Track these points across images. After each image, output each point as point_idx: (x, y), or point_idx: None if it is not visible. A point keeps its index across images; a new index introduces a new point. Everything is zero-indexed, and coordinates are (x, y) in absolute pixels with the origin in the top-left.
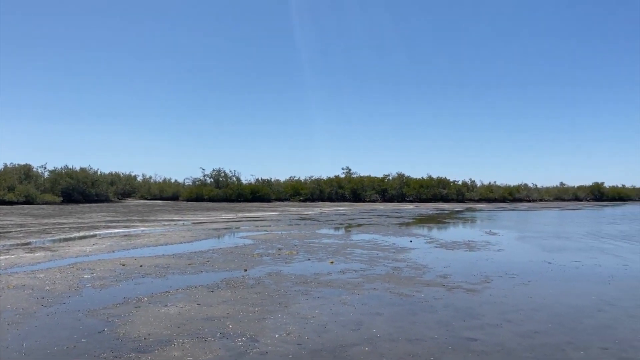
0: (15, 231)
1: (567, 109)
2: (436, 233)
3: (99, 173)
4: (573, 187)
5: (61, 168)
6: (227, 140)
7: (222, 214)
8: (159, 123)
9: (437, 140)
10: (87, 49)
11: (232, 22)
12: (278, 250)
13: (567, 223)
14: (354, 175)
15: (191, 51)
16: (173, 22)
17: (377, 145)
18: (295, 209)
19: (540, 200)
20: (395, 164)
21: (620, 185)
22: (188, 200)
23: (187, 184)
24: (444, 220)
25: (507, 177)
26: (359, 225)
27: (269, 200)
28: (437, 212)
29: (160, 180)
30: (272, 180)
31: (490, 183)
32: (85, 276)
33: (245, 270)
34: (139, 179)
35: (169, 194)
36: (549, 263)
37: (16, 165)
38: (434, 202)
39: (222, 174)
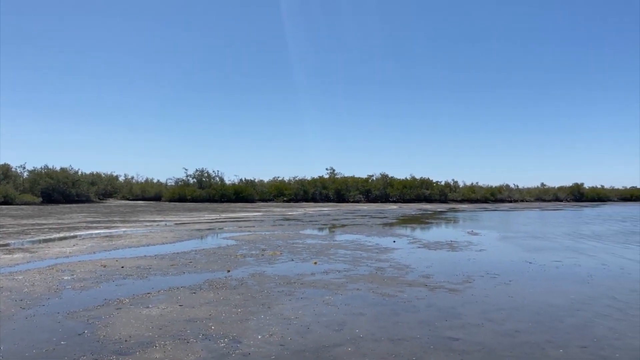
0: None
1: (548, 111)
2: (419, 233)
3: (79, 173)
4: (553, 188)
5: (41, 168)
6: (210, 141)
7: (205, 215)
8: (142, 123)
9: (421, 141)
10: (67, 48)
11: (218, 21)
12: (261, 251)
13: (547, 223)
14: (338, 176)
15: (175, 50)
16: (158, 20)
17: (361, 146)
18: (279, 209)
19: (522, 200)
20: (379, 165)
21: (599, 186)
22: (171, 200)
23: (169, 184)
24: (427, 220)
25: (489, 177)
26: (343, 225)
27: (252, 201)
28: (420, 212)
29: (143, 181)
30: (256, 180)
31: (472, 184)
32: (65, 278)
33: (228, 271)
34: (121, 179)
35: (152, 195)
36: (530, 263)
37: None
38: (417, 202)
39: (205, 174)
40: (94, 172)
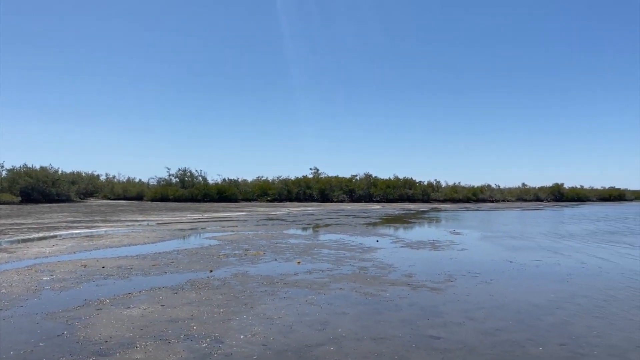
0: None
1: (529, 112)
2: (402, 233)
3: (59, 172)
4: (534, 188)
5: (20, 167)
6: (193, 140)
7: (188, 215)
8: (123, 121)
9: (404, 141)
10: (47, 46)
11: (205, 21)
12: (244, 250)
13: (528, 223)
14: (322, 176)
15: (160, 49)
16: (142, 19)
17: (345, 146)
18: (262, 209)
19: (503, 200)
20: (362, 165)
21: (579, 187)
22: (153, 200)
23: (151, 183)
24: (410, 220)
25: (471, 177)
26: (327, 225)
27: (236, 201)
28: (404, 212)
29: (124, 180)
30: (240, 180)
31: (455, 184)
32: (45, 278)
33: (211, 271)
34: (102, 178)
35: (133, 194)
36: (511, 262)
37: None
38: (401, 202)
39: (188, 174)
40: (75, 171)
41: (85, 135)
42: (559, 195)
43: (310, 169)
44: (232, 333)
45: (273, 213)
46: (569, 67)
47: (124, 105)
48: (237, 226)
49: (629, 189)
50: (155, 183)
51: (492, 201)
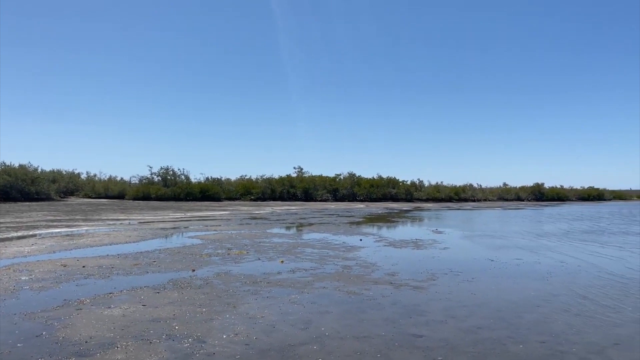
0: None
1: (510, 112)
2: (385, 232)
3: (39, 170)
4: (515, 188)
5: None
6: (175, 139)
7: (170, 214)
8: (104, 119)
9: (387, 140)
10: (26, 45)
11: (191, 21)
12: (227, 250)
13: (509, 222)
14: (306, 175)
15: (144, 48)
16: (134, 19)
17: (329, 145)
18: (246, 208)
19: (485, 200)
20: (346, 164)
21: (559, 186)
22: (135, 199)
23: (133, 182)
24: (393, 219)
25: (453, 177)
26: (310, 224)
27: (219, 200)
28: (387, 211)
29: (106, 178)
30: (223, 179)
31: (437, 183)
32: (23, 278)
33: (193, 270)
34: (83, 176)
35: (115, 193)
36: (492, 261)
37: None
38: (384, 201)
39: (171, 172)
40: (55, 170)
41: (66, 133)
42: (539, 195)
43: (294, 168)
44: (214, 333)
45: (257, 212)
46: (547, 67)
47: (106, 103)
48: (220, 225)
49: (607, 188)
50: (137, 182)
51: (474, 200)
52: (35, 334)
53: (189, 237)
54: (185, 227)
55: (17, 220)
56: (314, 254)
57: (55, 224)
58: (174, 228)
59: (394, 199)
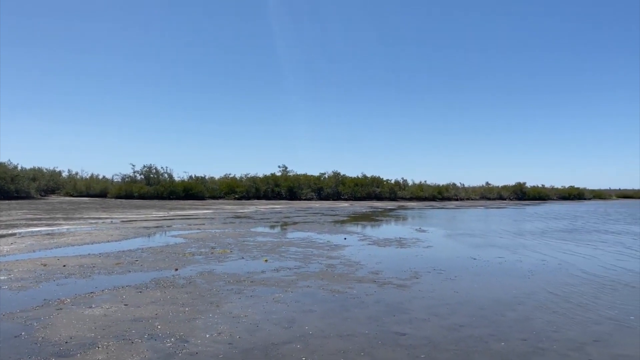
0: None
1: (492, 112)
2: (369, 230)
3: (19, 168)
4: (497, 187)
5: None
6: (159, 137)
7: (153, 212)
8: (86, 117)
9: (371, 139)
10: (8, 44)
11: (188, 20)
12: (211, 249)
13: (491, 221)
14: (291, 174)
15: (133, 48)
16: (124, 19)
17: (314, 145)
18: (230, 207)
19: (468, 199)
20: (331, 163)
21: (540, 186)
22: (117, 197)
23: (116, 180)
24: (377, 218)
25: (437, 176)
26: (295, 223)
27: (202, 198)
28: (371, 210)
29: (87, 177)
30: (207, 177)
31: (421, 182)
32: (2, 278)
33: (176, 269)
34: (64, 174)
35: (97, 191)
36: (474, 259)
37: None
38: (368, 200)
39: (154, 171)
40: (36, 167)
41: (46, 130)
42: (521, 194)
43: (279, 166)
44: (197, 332)
45: (241, 211)
46: (531, 68)
47: (88, 101)
48: (203, 224)
49: (587, 188)
50: (119, 180)
51: (457, 199)
52: (14, 335)
53: (172, 236)
54: (168, 226)
55: None
56: (298, 252)
57: (35, 222)
58: (157, 227)
59: (378, 197)
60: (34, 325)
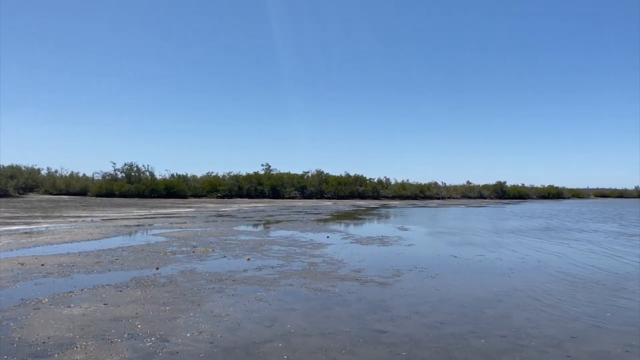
0: None
1: (473, 112)
2: (352, 229)
3: None
4: (478, 186)
5: None
6: (140, 135)
7: (134, 211)
8: (66, 114)
9: (355, 138)
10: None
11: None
12: (193, 247)
13: (472, 219)
14: (274, 172)
15: (123, 46)
16: (116, 18)
17: (297, 143)
18: (212, 205)
19: (449, 197)
20: (314, 162)
21: (520, 185)
22: (97, 195)
23: (96, 178)
24: (360, 216)
25: (419, 175)
26: (278, 221)
27: (184, 197)
28: (354, 208)
29: (67, 175)
30: (189, 175)
31: (403, 181)
32: None
33: (157, 268)
34: (44, 172)
35: (77, 189)
36: (455, 257)
37: None
38: (352, 199)
39: (135, 169)
40: (14, 165)
41: (25, 127)
42: (501, 193)
43: (262, 165)
44: (178, 331)
45: (223, 209)
46: (510, 67)
47: (67, 98)
48: (185, 223)
49: (566, 187)
50: (100, 178)
51: (438, 198)
52: None
53: (153, 234)
54: (149, 225)
55: None
56: (280, 251)
57: (13, 221)
58: (138, 225)
59: (361, 196)
60: (11, 326)
